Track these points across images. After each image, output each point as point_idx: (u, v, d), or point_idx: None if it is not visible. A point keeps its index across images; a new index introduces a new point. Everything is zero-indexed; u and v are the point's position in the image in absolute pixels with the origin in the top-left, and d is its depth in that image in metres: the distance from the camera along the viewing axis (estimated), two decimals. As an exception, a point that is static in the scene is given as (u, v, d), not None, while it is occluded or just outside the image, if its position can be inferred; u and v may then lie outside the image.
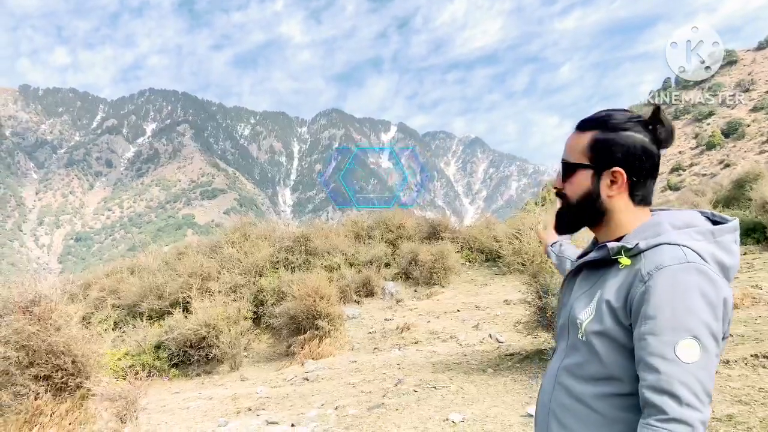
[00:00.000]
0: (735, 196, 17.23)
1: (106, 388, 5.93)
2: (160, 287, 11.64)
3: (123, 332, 10.14)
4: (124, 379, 7.73)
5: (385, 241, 15.05)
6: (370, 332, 10.20)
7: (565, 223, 1.48)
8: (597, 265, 1.41)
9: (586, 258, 1.44)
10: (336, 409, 6.01)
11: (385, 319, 10.70)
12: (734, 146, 68.57)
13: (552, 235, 2.23)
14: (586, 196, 1.41)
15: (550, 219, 2.33)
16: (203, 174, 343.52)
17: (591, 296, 1.38)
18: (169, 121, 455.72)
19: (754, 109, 76.05)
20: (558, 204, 1.46)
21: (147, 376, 8.57)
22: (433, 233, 15.04)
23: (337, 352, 9.30)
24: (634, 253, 1.32)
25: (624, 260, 1.32)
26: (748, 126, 71.96)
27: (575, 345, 1.39)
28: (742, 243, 14.07)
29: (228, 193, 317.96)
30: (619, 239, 1.40)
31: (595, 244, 1.55)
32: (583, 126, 1.44)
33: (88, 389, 5.72)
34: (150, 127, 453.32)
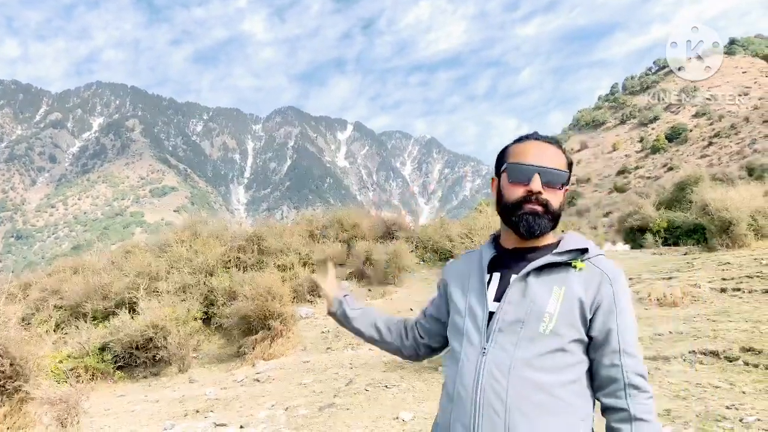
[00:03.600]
0: (677, 198, 17.97)
1: (46, 392, 5.71)
2: (105, 287, 11.28)
3: (65, 334, 9.77)
4: (66, 381, 7.46)
5: (340, 241, 15.01)
6: (323, 332, 10.15)
7: (544, 227, 1.54)
8: (551, 266, 1.53)
9: (547, 260, 1.52)
10: (286, 409, 5.95)
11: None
12: (677, 150, 71.34)
13: (339, 288, 2.06)
14: (562, 206, 1.58)
15: (330, 272, 2.07)
16: (153, 171, 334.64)
17: (550, 293, 1.49)
18: (117, 115, 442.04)
19: (696, 115, 79.44)
20: (537, 207, 1.53)
21: (90, 379, 8.32)
22: (388, 233, 15.10)
23: (289, 353, 9.22)
24: (585, 259, 1.53)
25: (580, 264, 1.51)
26: (691, 131, 75.08)
27: (533, 338, 1.47)
28: (684, 243, 14.69)
29: (179, 191, 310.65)
30: (554, 246, 1.57)
31: (496, 247, 1.67)
32: (559, 144, 1.61)
33: (27, 392, 5.49)
34: (97, 122, 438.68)
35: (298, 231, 15.25)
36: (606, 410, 1.49)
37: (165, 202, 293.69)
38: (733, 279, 8.81)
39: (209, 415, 6.18)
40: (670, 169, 61.14)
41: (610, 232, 21.44)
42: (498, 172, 1.65)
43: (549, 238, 1.61)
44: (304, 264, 13.21)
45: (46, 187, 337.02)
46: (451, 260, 1.82)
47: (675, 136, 75.65)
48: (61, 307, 11.49)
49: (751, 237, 11.92)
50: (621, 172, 74.41)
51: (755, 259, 10.05)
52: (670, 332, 6.52)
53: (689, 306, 7.86)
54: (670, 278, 9.86)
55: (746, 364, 5.20)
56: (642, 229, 16.65)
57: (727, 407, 4.24)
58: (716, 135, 67.53)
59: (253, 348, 9.22)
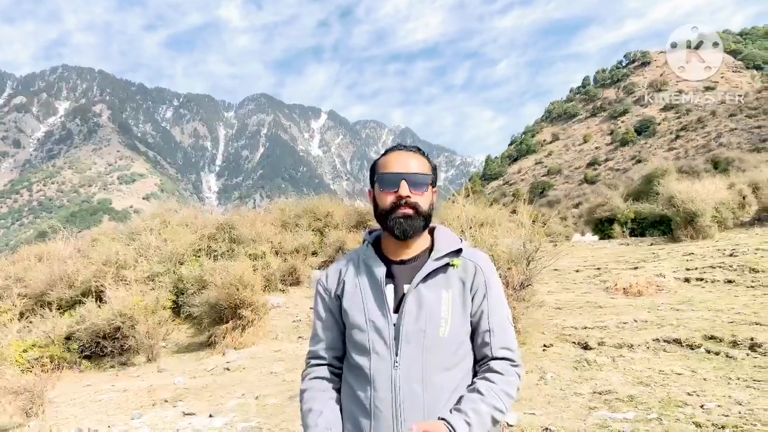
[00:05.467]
0: (644, 190, 18.34)
1: (10, 381, 5.60)
2: (72, 275, 11.02)
3: (30, 322, 9.54)
4: (31, 371, 7.30)
5: (313, 230, 14.95)
6: (294, 321, 10.13)
7: (417, 228, 1.65)
8: (435, 270, 1.66)
9: (432, 267, 1.65)
10: (256, 398, 5.93)
11: (310, 308, 10.63)
12: (646, 143, 72.75)
13: None
14: (432, 206, 1.71)
15: None
16: (121, 157, 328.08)
17: (440, 298, 1.62)
18: (84, 100, 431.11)
19: (665, 108, 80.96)
20: (408, 211, 1.63)
21: (55, 369, 8.15)
22: (361, 222, 15.08)
23: (260, 342, 9.16)
24: (459, 256, 1.69)
25: (457, 262, 1.67)
26: (659, 124, 76.64)
27: (435, 343, 1.59)
28: (650, 234, 15.01)
29: (148, 178, 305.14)
30: (431, 249, 1.71)
31: (382, 259, 1.71)
32: (421, 152, 1.76)
33: (-10, 383, 5.37)
34: (63, 106, 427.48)
35: (271, 220, 15.12)
36: (477, 374, 1.65)
37: (133, 189, 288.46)
38: (696, 269, 9.06)
39: (178, 405, 6.12)
40: (639, 161, 62.31)
41: (579, 223, 21.78)
42: (372, 184, 1.77)
43: (425, 241, 1.74)
44: (276, 253, 13.12)
45: (11, 173, 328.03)
46: (324, 275, 1.81)
47: (643, 129, 77.09)
48: (25, 296, 11.20)
49: (715, 228, 12.26)
50: (591, 164, 75.58)
51: (718, 249, 10.34)
52: (635, 321, 6.67)
53: (654, 295, 8.06)
54: (636, 268, 10.09)
55: (708, 351, 5.35)
56: (610, 220, 16.97)
57: (689, 394, 4.36)
58: (683, 129, 69.03)
59: (224, 337, 9.14)
